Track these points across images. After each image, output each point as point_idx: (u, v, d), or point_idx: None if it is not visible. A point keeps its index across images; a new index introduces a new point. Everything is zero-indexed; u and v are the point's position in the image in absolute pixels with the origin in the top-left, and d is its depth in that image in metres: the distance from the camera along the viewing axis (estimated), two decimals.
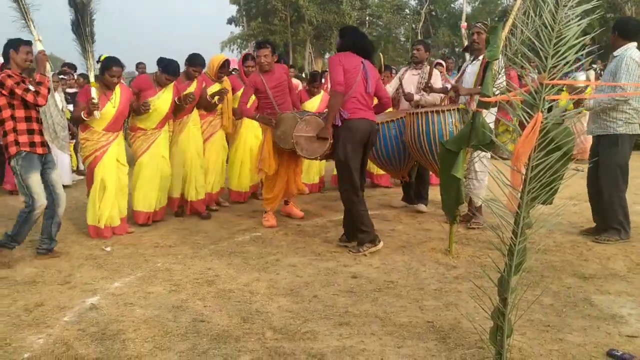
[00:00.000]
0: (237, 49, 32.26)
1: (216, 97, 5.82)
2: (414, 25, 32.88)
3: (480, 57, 4.98)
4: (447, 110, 4.93)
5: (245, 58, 6.41)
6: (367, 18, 32.77)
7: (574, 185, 7.14)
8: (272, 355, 2.81)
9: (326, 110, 4.99)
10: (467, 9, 28.66)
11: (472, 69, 5.13)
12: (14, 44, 4.28)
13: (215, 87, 5.96)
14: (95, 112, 4.74)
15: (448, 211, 4.41)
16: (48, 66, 4.70)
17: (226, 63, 6.06)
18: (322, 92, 7.00)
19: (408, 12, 34.89)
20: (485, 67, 3.93)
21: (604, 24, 28.35)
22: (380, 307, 3.42)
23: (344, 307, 3.42)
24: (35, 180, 4.34)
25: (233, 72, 7.10)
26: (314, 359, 2.76)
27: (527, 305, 3.13)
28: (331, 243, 4.84)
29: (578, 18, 2.38)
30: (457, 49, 33.67)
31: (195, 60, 5.64)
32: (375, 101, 4.81)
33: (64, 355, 2.86)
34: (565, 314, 3.26)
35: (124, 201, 5.26)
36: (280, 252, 4.62)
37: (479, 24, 5.18)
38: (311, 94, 6.89)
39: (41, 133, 4.44)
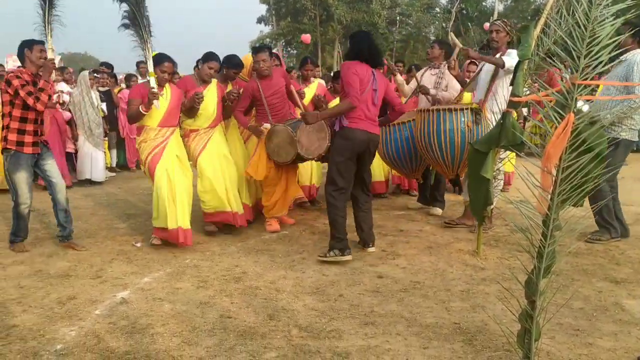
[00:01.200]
0: None
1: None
2: (444, 24, 32.54)
3: (498, 55, 4.87)
4: (460, 109, 4.84)
5: (302, 62, 6.40)
6: (397, 17, 32.59)
7: None
8: (298, 352, 2.83)
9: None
10: (499, 7, 28.26)
11: (488, 68, 5.02)
12: (28, 44, 4.51)
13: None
14: (156, 102, 4.61)
15: (476, 212, 4.36)
16: (53, 74, 4.74)
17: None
18: None
19: (438, 10, 34.57)
20: (516, 66, 3.87)
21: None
22: (406, 308, 3.41)
23: (369, 307, 3.42)
24: (20, 177, 4.55)
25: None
26: (339, 358, 2.77)
27: (556, 309, 3.09)
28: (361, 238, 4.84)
29: (612, 17, 2.34)
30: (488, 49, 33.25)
31: (233, 61, 5.41)
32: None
33: (95, 347, 2.93)
34: (596, 318, 3.20)
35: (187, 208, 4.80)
36: (306, 250, 4.64)
37: (498, 21, 5.04)
38: (336, 92, 6.89)
39: (36, 134, 4.59)
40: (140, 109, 4.63)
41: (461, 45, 5.11)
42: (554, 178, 2.37)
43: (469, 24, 32.61)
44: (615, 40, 2.33)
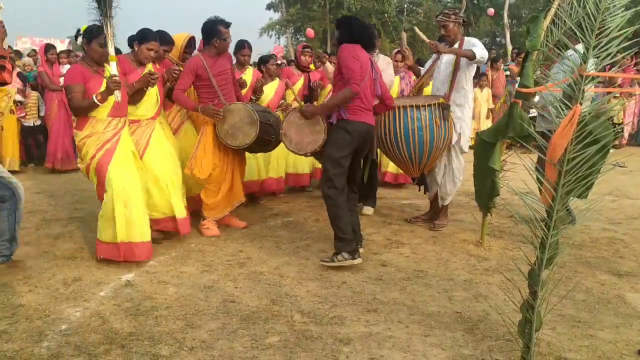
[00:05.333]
0: (275, 35, 32.34)
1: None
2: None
3: (456, 45, 4.66)
4: (428, 105, 4.49)
5: (239, 45, 5.48)
6: (406, 5, 32.37)
7: (612, 180, 7.00)
8: (300, 338, 2.86)
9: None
10: None
11: (447, 59, 4.74)
12: None
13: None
14: (117, 92, 3.89)
15: (481, 202, 4.36)
16: (6, 41, 3.93)
17: (192, 41, 5.07)
18: None
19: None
20: (525, 57, 3.85)
21: None
22: (409, 296, 3.43)
23: (372, 294, 3.44)
24: None
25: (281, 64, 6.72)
26: (340, 344, 2.80)
27: (558, 300, 3.10)
28: (362, 230, 4.84)
29: (623, 8, 2.32)
30: (498, 39, 33.01)
31: (163, 37, 4.67)
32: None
33: (99, 328, 2.97)
34: (598, 311, 3.21)
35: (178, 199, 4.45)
36: (310, 237, 4.66)
37: (440, 16, 4.72)
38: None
39: None
40: (95, 98, 3.82)
41: (428, 40, 4.82)
42: (559, 169, 2.36)
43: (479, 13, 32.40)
44: (625, 31, 2.31)
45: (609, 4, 2.30)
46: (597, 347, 2.77)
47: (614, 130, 8.09)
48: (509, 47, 20.04)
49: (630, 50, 2.44)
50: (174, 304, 3.29)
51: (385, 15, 28.86)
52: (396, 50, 6.40)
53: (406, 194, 6.55)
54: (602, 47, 2.30)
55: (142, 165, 4.21)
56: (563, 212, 2.41)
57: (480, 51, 4.49)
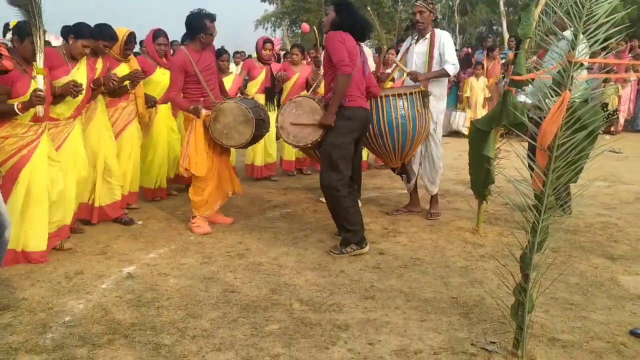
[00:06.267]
0: (271, 27, 32.26)
1: (127, 82, 4.64)
2: (450, 2, 32.21)
3: (427, 36, 4.73)
4: (410, 93, 4.46)
5: (156, 35, 5.24)
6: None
7: (607, 166, 7.06)
8: (299, 325, 2.92)
9: (304, 93, 4.75)
10: None
11: (419, 49, 4.79)
12: None
13: (122, 68, 4.76)
14: (40, 108, 3.61)
15: (477, 190, 4.41)
16: None
17: (132, 37, 4.85)
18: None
19: None
20: (517, 45, 3.89)
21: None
22: (406, 283, 3.49)
23: (369, 282, 3.50)
24: None
25: (284, 56, 6.76)
26: (339, 330, 2.86)
27: (550, 283, 3.16)
28: None
29: None
30: (494, 27, 32.93)
31: (105, 32, 4.40)
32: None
33: (102, 319, 3.02)
34: (591, 293, 3.27)
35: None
36: (309, 228, 4.71)
37: (419, 1, 4.72)
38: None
39: None
40: (16, 107, 3.54)
41: (407, 70, 4.78)
42: (549, 155, 2.41)
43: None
44: (613, 17, 2.35)
45: None
46: (589, 328, 2.83)
47: (608, 117, 8.24)
48: (506, 36, 19.99)
49: (619, 36, 2.48)
50: (174, 294, 3.35)
51: (381, 5, 28.80)
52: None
53: (402, 184, 6.59)
54: (590, 33, 2.35)
55: (58, 170, 3.94)
56: (553, 198, 2.46)
57: (452, 69, 4.62)
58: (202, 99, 4.50)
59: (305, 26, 15.61)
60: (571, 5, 2.38)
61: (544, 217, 2.41)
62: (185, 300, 3.26)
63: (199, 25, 4.46)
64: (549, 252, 3.59)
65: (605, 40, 2.41)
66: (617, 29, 2.37)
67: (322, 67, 5.02)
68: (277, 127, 4.24)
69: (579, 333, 2.79)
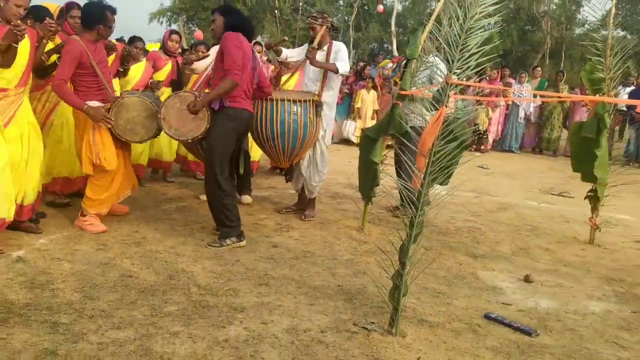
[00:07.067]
0: (166, 22, 31.50)
1: (54, 57, 4.41)
2: (346, 18, 33.49)
3: (325, 47, 4.94)
4: (304, 101, 4.71)
5: (69, 7, 4.84)
6: (301, 4, 32.99)
7: (476, 180, 7.91)
8: (197, 307, 3.10)
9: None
10: (398, 7, 29.60)
11: (317, 58, 4.93)
12: None
13: (49, 46, 4.39)
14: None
15: (363, 192, 4.84)
16: None
17: (62, 12, 4.78)
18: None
19: (342, 3, 35.42)
20: (405, 64, 4.36)
21: (522, 35, 30.43)
22: (297, 272, 3.78)
23: (264, 271, 3.76)
24: None
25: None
26: (235, 312, 3.08)
27: (424, 276, 3.62)
28: (254, 215, 5.15)
29: (482, 30, 2.83)
30: (385, 45, 34.69)
31: (41, 13, 4.29)
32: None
33: None
34: (455, 284, 3.77)
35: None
36: (205, 221, 4.85)
37: (309, 18, 5.01)
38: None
39: None
40: None
41: (310, 47, 4.88)
42: (427, 160, 2.83)
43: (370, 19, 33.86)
44: (482, 48, 2.82)
45: (472, 25, 2.80)
46: (452, 312, 3.30)
47: (478, 136, 9.26)
48: (395, 54, 21.20)
49: (490, 64, 2.97)
50: (70, 278, 3.38)
51: (280, 12, 29.27)
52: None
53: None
54: (464, 60, 2.80)
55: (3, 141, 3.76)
56: (428, 197, 2.88)
57: (343, 67, 4.86)
58: (99, 94, 4.30)
59: (199, 34, 15.54)
60: (450, 35, 2.83)
61: (419, 212, 2.82)
62: (81, 284, 3.30)
63: (99, 15, 4.31)
64: (423, 250, 4.09)
65: (477, 66, 2.89)
66: (487, 57, 2.84)
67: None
68: (159, 118, 4.24)
69: (443, 316, 3.24)
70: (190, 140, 4.34)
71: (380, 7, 25.42)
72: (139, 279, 3.44)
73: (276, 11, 26.89)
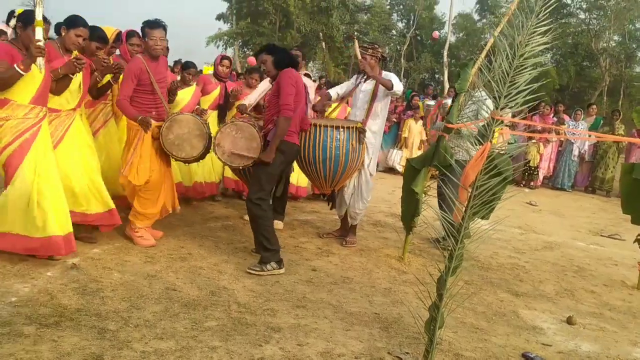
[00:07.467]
0: (222, 45, 32.52)
1: (109, 76, 4.64)
2: (398, 47, 33.76)
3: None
4: (347, 127, 4.83)
5: (129, 35, 5.11)
6: (355, 34, 33.49)
7: (524, 217, 7.77)
8: (236, 324, 3.19)
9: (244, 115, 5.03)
10: (451, 38, 29.64)
11: (365, 87, 5.09)
12: None
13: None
14: (40, 61, 3.63)
15: (405, 222, 4.86)
16: None
17: (119, 36, 5.00)
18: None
19: (395, 33, 35.77)
20: (454, 97, 4.40)
21: (580, 71, 29.87)
22: (335, 297, 3.83)
23: (302, 293, 3.82)
24: None
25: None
26: (272, 331, 3.15)
27: (462, 309, 3.60)
28: (295, 238, 5.24)
29: (531, 67, 2.86)
30: (437, 75, 34.70)
31: (97, 33, 4.46)
32: None
33: (48, 303, 3.17)
34: (494, 321, 3.73)
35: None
36: (249, 241, 4.96)
37: (361, 49, 5.07)
38: (249, 86, 6.73)
39: None
40: (17, 67, 3.58)
41: (360, 56, 5.00)
42: (469, 194, 2.86)
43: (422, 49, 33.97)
44: (531, 85, 2.85)
45: (520, 63, 2.84)
46: (489, 349, 3.27)
47: (529, 172, 9.14)
48: (446, 85, 21.16)
49: (534, 102, 2.99)
50: (119, 287, 3.54)
51: (333, 40, 29.79)
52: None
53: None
54: (512, 96, 2.83)
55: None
56: (468, 230, 2.90)
57: (397, 85, 4.91)
58: (154, 110, 4.46)
59: (252, 60, 16.00)
60: (498, 72, 2.87)
61: (459, 245, 2.83)
62: (129, 293, 3.45)
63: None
64: (464, 284, 4.07)
65: (525, 103, 2.91)
66: (536, 94, 2.87)
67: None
68: (213, 143, 4.35)
69: (480, 352, 3.22)
70: (241, 168, 4.45)
71: (436, 33, 25.46)
72: (182, 293, 3.57)
73: (323, 43, 27.25)
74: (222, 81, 6.49)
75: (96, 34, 4.43)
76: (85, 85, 4.25)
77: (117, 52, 5.15)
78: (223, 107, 6.41)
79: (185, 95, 5.90)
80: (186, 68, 6.21)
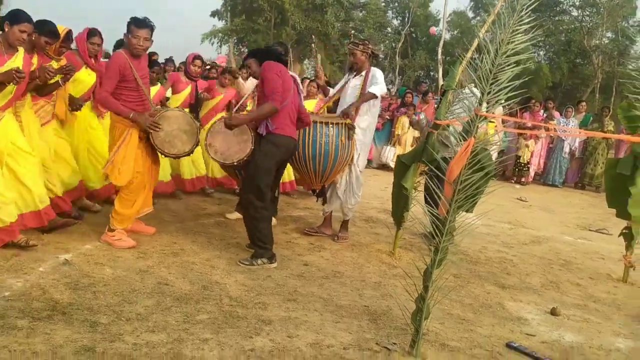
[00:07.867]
0: (217, 42, 32.52)
1: (58, 77, 4.44)
2: (393, 44, 33.83)
3: (363, 73, 5.09)
4: (337, 123, 4.86)
5: (91, 33, 4.98)
6: (352, 31, 33.55)
7: (513, 212, 7.86)
8: (227, 317, 3.26)
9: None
10: (446, 35, 29.71)
11: (354, 83, 5.15)
12: None
13: (53, 65, 4.40)
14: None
15: (395, 217, 4.93)
16: None
17: (70, 35, 4.74)
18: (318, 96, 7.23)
19: (390, 30, 35.87)
20: (442, 94, 4.47)
21: (573, 68, 30.01)
22: (325, 291, 3.90)
23: (293, 287, 3.89)
24: None
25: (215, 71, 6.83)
26: (262, 324, 3.22)
27: (449, 302, 3.68)
28: (288, 234, 5.30)
29: (513, 65, 2.93)
30: (431, 73, 34.79)
31: (47, 27, 4.35)
32: None
33: (40, 297, 3.23)
34: (480, 313, 3.81)
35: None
36: (241, 237, 5.03)
37: (350, 44, 5.19)
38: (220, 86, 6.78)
39: None
40: None
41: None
42: (454, 188, 2.93)
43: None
44: (512, 84, 2.92)
45: (503, 61, 2.91)
46: (474, 339, 3.34)
47: (520, 168, 9.22)
48: (441, 82, 21.23)
49: (518, 98, 3.07)
50: (110, 282, 3.59)
51: (328, 37, 29.82)
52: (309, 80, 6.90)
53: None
54: (494, 93, 2.90)
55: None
56: (454, 223, 2.97)
57: (379, 89, 4.97)
58: (140, 107, 4.35)
59: (221, 58, 16.17)
60: (482, 70, 2.94)
61: (444, 238, 2.91)
62: (121, 288, 3.51)
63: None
64: (451, 277, 4.15)
65: (509, 100, 2.99)
66: (522, 90, 2.94)
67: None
68: (205, 144, 4.43)
69: (465, 342, 3.29)
70: (235, 164, 4.45)
71: (433, 29, 25.52)
72: (174, 287, 3.63)
73: (314, 44, 27.34)
74: (193, 80, 6.41)
75: (46, 28, 4.31)
76: (19, 89, 4.07)
77: (73, 48, 4.99)
78: (194, 107, 6.36)
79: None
80: (151, 66, 5.77)
